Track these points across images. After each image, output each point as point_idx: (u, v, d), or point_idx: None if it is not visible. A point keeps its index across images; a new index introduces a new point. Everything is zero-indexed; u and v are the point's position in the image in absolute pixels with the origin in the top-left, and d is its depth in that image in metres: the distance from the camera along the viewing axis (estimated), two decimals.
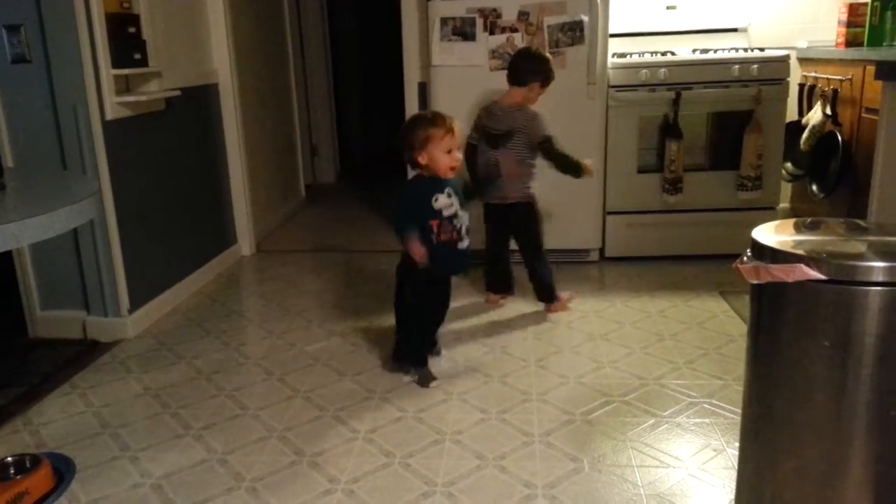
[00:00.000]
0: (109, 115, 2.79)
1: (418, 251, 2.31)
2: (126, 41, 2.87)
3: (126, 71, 2.87)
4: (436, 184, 2.36)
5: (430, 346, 2.63)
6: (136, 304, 2.99)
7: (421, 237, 2.33)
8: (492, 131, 2.91)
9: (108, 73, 2.76)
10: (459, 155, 2.39)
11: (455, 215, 2.38)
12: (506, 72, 2.96)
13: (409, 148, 2.37)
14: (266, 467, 2.00)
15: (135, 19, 2.94)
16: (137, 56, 2.93)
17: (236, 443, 2.13)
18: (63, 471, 1.99)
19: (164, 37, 3.16)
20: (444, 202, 2.36)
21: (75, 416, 2.34)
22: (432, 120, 2.37)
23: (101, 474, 2.01)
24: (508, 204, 2.96)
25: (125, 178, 2.91)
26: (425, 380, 2.46)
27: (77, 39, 2.67)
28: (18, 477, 1.87)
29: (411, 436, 2.13)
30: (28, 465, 1.94)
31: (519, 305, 3.13)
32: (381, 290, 3.40)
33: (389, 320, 3.00)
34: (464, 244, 2.43)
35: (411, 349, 2.54)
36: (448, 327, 2.92)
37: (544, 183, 3.37)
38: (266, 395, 2.42)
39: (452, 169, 2.37)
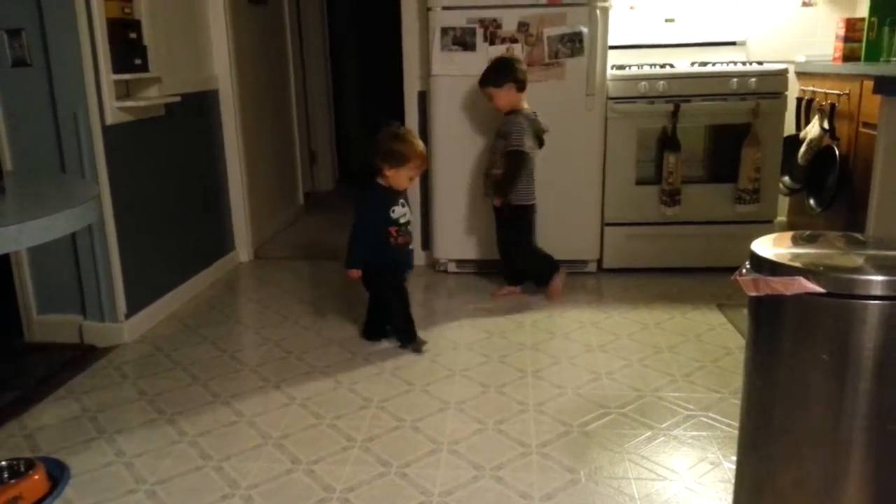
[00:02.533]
0: (109, 120, 2.79)
1: (354, 274, 2.76)
2: (127, 46, 2.87)
3: (126, 76, 2.88)
4: (393, 196, 2.73)
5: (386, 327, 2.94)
6: (133, 310, 2.98)
7: (382, 241, 2.72)
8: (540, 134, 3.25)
9: (108, 77, 2.76)
10: (415, 181, 2.84)
11: (409, 222, 2.78)
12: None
13: (383, 158, 2.70)
14: (262, 475, 2.00)
15: (136, 25, 2.95)
16: (138, 61, 2.93)
17: (232, 449, 2.12)
18: (57, 476, 1.98)
19: (164, 43, 3.17)
20: (400, 212, 2.75)
21: (70, 421, 2.33)
22: (414, 146, 2.71)
23: (95, 479, 2.00)
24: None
25: (124, 183, 2.91)
26: (420, 346, 2.81)
27: (78, 44, 2.67)
28: (12, 481, 1.86)
29: (408, 445, 2.13)
30: (22, 469, 1.93)
31: (517, 315, 3.13)
32: None
33: None
34: (412, 246, 2.85)
35: (403, 330, 2.85)
36: (445, 337, 2.92)
37: (543, 193, 3.39)
38: (262, 402, 2.42)
39: (405, 188, 2.77)
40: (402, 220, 2.74)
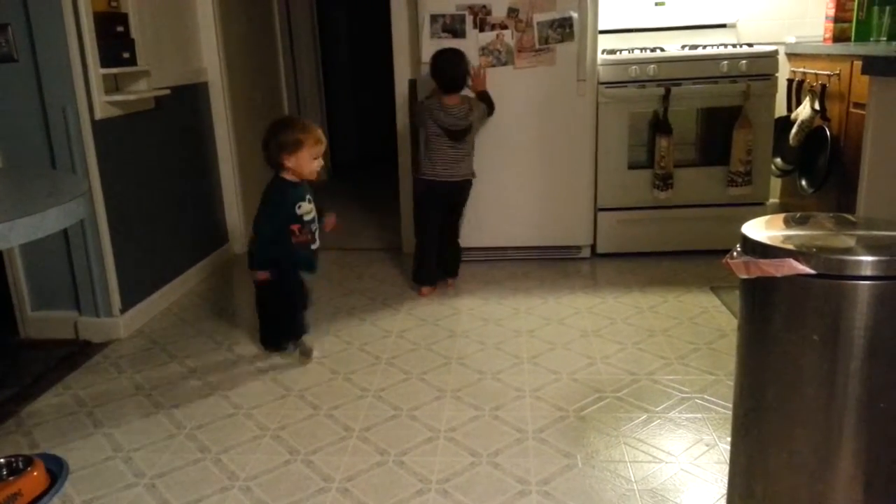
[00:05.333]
0: (99, 115, 2.78)
1: (261, 276, 2.60)
2: (114, 40, 2.86)
3: (115, 70, 2.86)
4: (299, 191, 2.56)
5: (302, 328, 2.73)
6: (127, 304, 2.98)
7: (282, 238, 2.54)
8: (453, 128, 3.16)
9: (96, 72, 2.75)
10: (321, 162, 2.58)
11: (313, 220, 2.61)
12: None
13: (277, 149, 2.52)
14: (260, 466, 2.00)
15: (123, 18, 2.93)
16: (126, 55, 2.91)
17: (230, 442, 2.13)
18: (56, 471, 1.98)
19: (152, 35, 3.15)
20: (306, 208, 2.57)
21: (68, 417, 2.33)
22: (304, 126, 2.55)
23: (94, 474, 2.00)
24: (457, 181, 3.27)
25: (115, 178, 2.90)
26: (309, 351, 2.68)
27: (65, 38, 2.65)
28: (11, 478, 1.87)
29: (405, 433, 2.14)
30: (21, 466, 1.93)
31: (512, 302, 3.13)
32: (373, 289, 3.40)
33: (383, 318, 3.02)
34: (315, 245, 2.64)
35: (298, 327, 2.69)
36: (439, 325, 2.93)
37: (537, 179, 3.39)
38: (259, 393, 2.42)
39: (316, 174, 2.58)
40: (306, 218, 2.56)
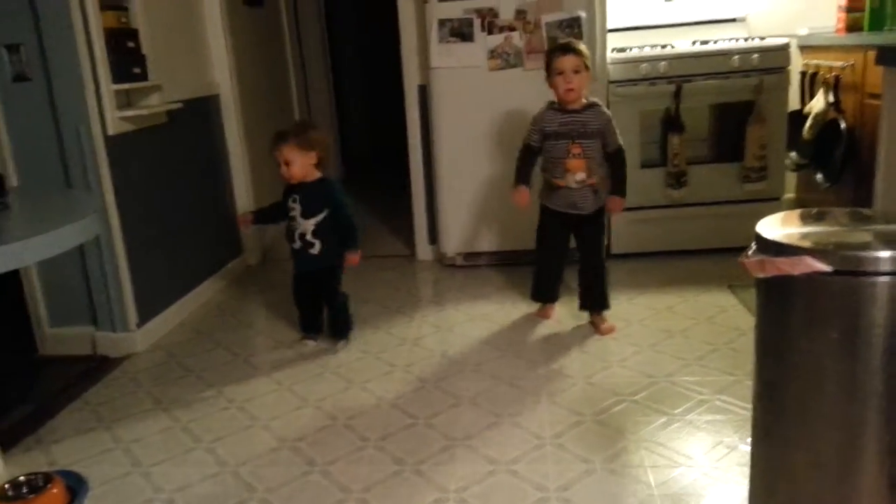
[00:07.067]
0: (111, 130, 2.80)
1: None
2: (125, 56, 2.88)
3: (126, 85, 2.88)
4: (290, 189, 2.76)
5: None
6: (144, 318, 3.00)
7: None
8: None
9: (108, 88, 2.77)
10: (285, 169, 2.71)
11: (293, 218, 2.75)
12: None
13: (321, 147, 2.78)
14: (278, 478, 2.00)
15: (133, 34, 2.95)
16: (137, 70, 2.93)
17: (248, 454, 2.13)
18: (76, 488, 1.98)
19: (163, 50, 3.17)
20: (290, 206, 2.76)
21: (87, 433, 2.34)
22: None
23: (114, 490, 2.01)
24: None
25: (129, 193, 2.92)
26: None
27: (76, 56, 2.67)
28: (31, 496, 1.87)
29: (423, 442, 2.13)
30: (41, 483, 1.93)
31: (527, 306, 3.11)
32: (389, 297, 3.40)
33: (398, 326, 3.01)
34: (296, 245, 2.77)
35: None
36: (454, 331, 2.92)
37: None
38: (276, 405, 2.42)
39: (287, 178, 2.74)
40: (290, 214, 2.76)
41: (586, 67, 2.62)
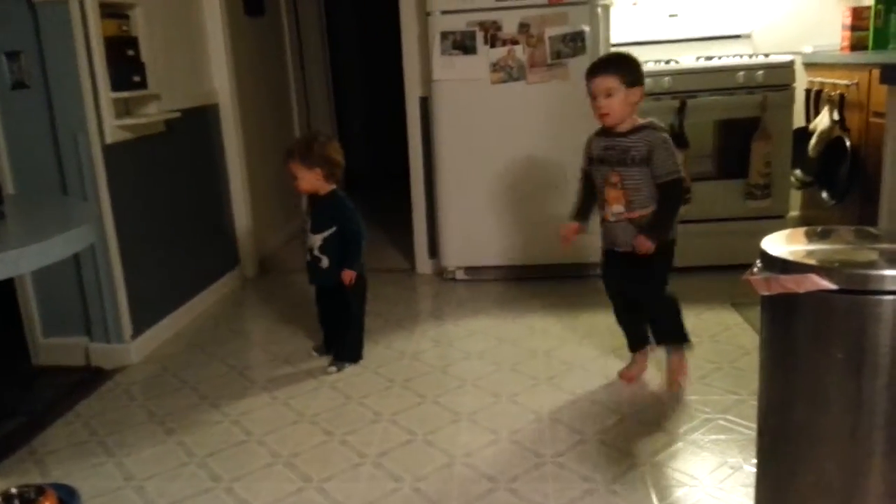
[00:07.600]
0: (109, 139, 2.77)
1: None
2: (125, 64, 2.85)
3: (125, 94, 2.86)
4: (309, 201, 2.79)
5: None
6: (138, 330, 2.96)
7: None
8: None
9: (107, 96, 2.74)
10: (295, 184, 2.74)
11: (305, 231, 2.77)
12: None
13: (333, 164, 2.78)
14: (272, 494, 1.96)
15: (133, 42, 2.93)
16: (136, 79, 2.91)
17: (242, 470, 2.09)
18: (68, 501, 1.94)
19: (163, 59, 3.15)
20: (305, 219, 2.81)
21: (80, 445, 2.30)
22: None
23: None
24: None
25: (126, 202, 2.89)
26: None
27: (76, 64, 2.65)
28: None
29: (421, 459, 2.08)
30: (33, 496, 1.89)
31: (528, 321, 3.08)
32: (388, 311, 3.36)
33: (397, 340, 2.98)
34: (308, 258, 2.76)
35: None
36: (455, 346, 2.89)
37: (551, 197, 3.34)
38: (271, 419, 2.38)
39: (298, 192, 2.80)
40: (305, 227, 2.79)
41: (627, 85, 2.21)
